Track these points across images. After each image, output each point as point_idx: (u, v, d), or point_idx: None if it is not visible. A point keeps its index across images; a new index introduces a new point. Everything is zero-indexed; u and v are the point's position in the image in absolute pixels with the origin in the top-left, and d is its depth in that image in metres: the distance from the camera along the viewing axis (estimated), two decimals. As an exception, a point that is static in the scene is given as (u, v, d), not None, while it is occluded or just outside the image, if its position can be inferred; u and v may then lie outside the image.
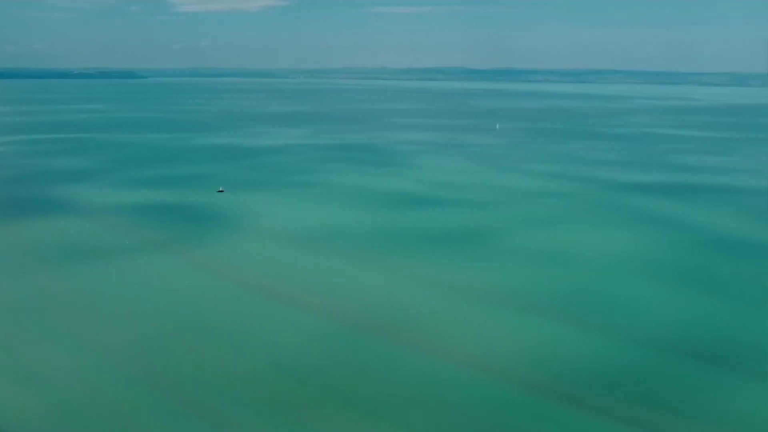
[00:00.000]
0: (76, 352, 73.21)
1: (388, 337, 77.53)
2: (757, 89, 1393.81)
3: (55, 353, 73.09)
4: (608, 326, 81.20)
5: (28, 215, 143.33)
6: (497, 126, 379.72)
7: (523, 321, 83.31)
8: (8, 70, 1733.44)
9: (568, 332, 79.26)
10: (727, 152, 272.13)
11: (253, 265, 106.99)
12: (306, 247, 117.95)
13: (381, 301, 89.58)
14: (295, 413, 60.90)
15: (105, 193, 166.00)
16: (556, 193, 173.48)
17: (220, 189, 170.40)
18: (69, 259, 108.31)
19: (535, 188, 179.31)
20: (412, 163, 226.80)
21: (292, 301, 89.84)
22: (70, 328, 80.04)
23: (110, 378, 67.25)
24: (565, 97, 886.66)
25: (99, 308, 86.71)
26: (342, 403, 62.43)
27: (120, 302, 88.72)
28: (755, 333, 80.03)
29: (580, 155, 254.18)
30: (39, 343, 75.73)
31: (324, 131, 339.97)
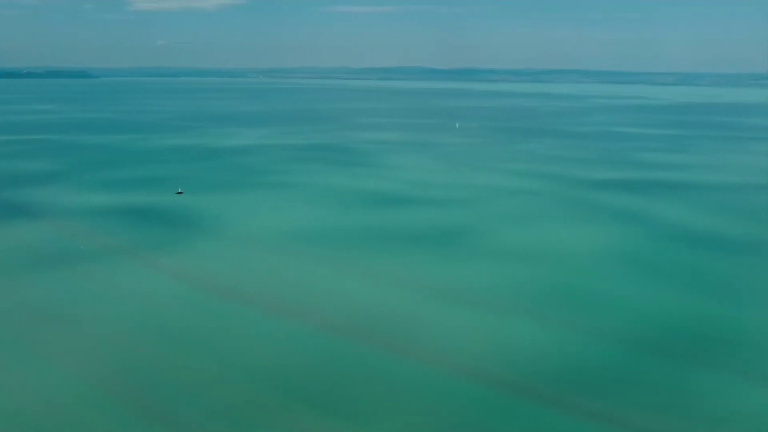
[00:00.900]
0: (36, 362, 70.13)
1: (364, 340, 76.60)
2: (704, 88, 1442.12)
3: (13, 362, 70.00)
4: (584, 323, 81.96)
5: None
6: (457, 125, 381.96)
7: (500, 320, 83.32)
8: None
9: (544, 331, 79.67)
10: (685, 149, 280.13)
11: (224, 269, 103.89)
12: (279, 250, 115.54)
13: (356, 303, 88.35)
14: (268, 418, 59.53)
15: (65, 198, 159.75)
16: (527, 190, 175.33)
17: (179, 191, 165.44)
18: (27, 266, 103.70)
19: (506, 186, 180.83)
20: (382, 162, 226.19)
21: (263, 305, 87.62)
22: (30, 336, 76.66)
23: (72, 388, 64.47)
24: (524, 97, 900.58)
25: (59, 316, 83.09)
26: (316, 408, 61.35)
27: (82, 310, 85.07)
28: (727, 327, 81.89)
29: (546, 153, 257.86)
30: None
31: (290, 131, 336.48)
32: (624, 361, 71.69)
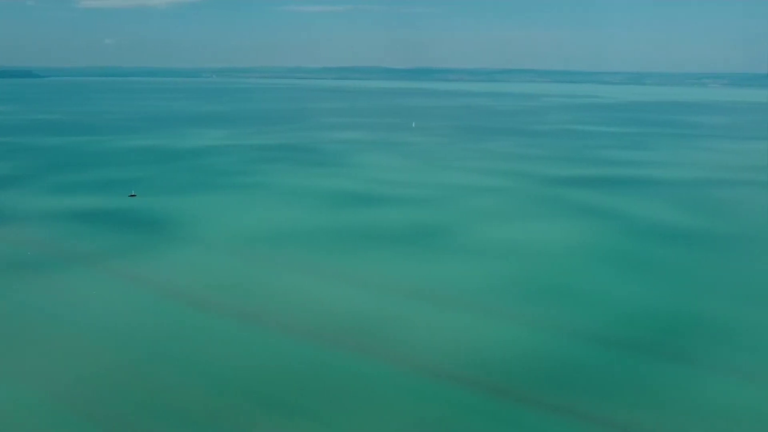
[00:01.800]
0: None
1: (338, 343, 75.11)
2: (651, 87, 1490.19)
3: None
4: (559, 320, 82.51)
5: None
6: (413, 124, 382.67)
7: (475, 319, 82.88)
8: None
9: (520, 329, 79.70)
10: (641, 146, 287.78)
11: (189, 274, 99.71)
12: (247, 253, 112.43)
13: (329, 306, 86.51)
14: (236, 426, 57.72)
15: (14, 203, 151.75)
16: (496, 188, 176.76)
17: (132, 193, 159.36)
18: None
19: (475, 184, 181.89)
20: (348, 162, 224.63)
21: (230, 311, 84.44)
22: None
23: (29, 403, 61.06)
24: (481, 96, 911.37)
25: (13, 329, 78.18)
26: (288, 414, 59.83)
27: (37, 321, 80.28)
28: (698, 319, 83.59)
29: (510, 152, 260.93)
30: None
31: (252, 131, 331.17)
32: (598, 357, 72.15)
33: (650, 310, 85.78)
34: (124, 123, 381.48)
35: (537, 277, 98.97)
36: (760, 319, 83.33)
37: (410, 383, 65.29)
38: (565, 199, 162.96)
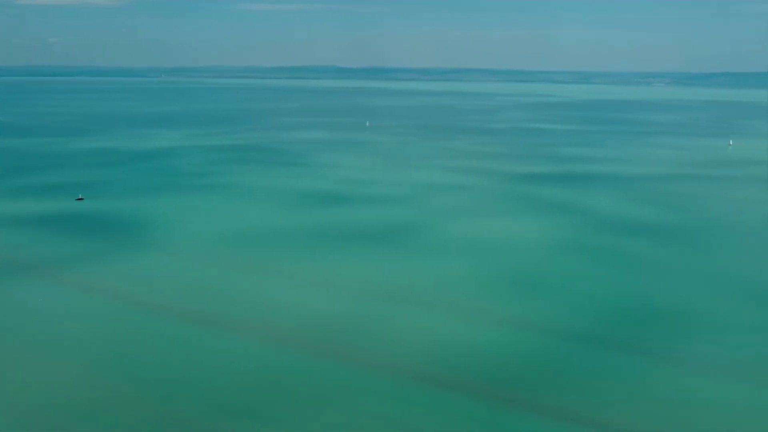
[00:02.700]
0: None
1: (308, 347, 73.16)
2: (599, 86, 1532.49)
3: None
4: (530, 316, 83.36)
5: None
6: (367, 124, 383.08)
7: (445, 318, 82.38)
8: None
9: (489, 326, 79.86)
10: (597, 144, 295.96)
11: (151, 280, 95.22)
12: (214, 257, 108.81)
13: (299, 309, 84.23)
14: None
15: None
16: (460, 186, 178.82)
17: (80, 197, 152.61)
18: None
19: (439, 182, 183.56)
20: (312, 161, 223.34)
21: (193, 318, 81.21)
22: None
23: None
24: (437, 95, 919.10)
25: None
26: (262, 421, 58.44)
27: None
28: (661, 311, 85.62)
29: (471, 150, 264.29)
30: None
31: (210, 132, 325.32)
32: (570, 353, 72.51)
33: (620, 303, 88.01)
34: (72, 124, 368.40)
35: (508, 274, 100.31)
36: (726, 310, 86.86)
37: (384, 386, 64.39)
38: (530, 196, 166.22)
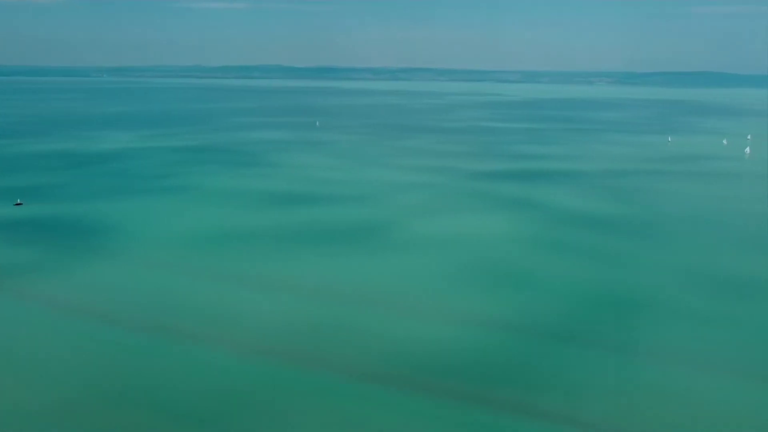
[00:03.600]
0: None
1: (276, 353, 70.75)
2: (546, 86, 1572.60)
3: None
4: (496, 313, 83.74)
5: None
6: (317, 123, 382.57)
7: (412, 318, 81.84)
8: None
9: (454, 324, 79.35)
10: (549, 141, 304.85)
11: (101, 289, 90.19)
12: (173, 262, 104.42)
13: (267, 314, 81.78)
14: None
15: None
16: (420, 184, 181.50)
17: (18, 202, 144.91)
18: None
19: (400, 181, 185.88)
20: (270, 162, 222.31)
21: (153, 328, 77.48)
22: None
23: None
24: (388, 94, 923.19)
25: None
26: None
27: None
28: (620, 303, 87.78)
29: (428, 148, 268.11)
30: None
31: (163, 133, 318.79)
32: (536, 349, 72.79)
33: (585, 296, 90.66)
34: (15, 126, 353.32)
35: (474, 270, 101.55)
36: (688, 300, 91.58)
37: (353, 389, 63.05)
38: (491, 192, 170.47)
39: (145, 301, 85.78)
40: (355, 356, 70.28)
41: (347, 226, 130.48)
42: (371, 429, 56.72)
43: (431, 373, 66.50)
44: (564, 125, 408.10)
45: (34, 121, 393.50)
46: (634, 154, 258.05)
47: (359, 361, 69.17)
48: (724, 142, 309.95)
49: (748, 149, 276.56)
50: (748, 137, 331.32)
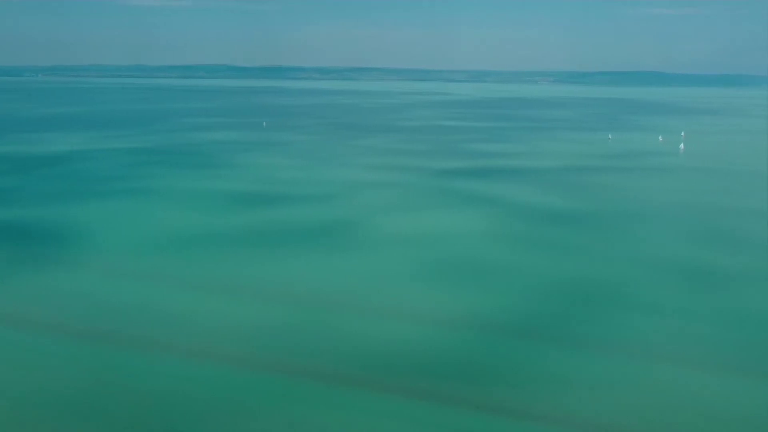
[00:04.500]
0: None
1: (242, 360, 68.63)
2: (494, 84, 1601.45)
3: None
4: (459, 309, 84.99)
5: None
6: (264, 124, 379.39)
7: (385, 319, 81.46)
8: None
9: (419, 323, 78.99)
10: (503, 139, 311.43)
11: (59, 300, 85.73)
12: (136, 268, 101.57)
13: (236, 321, 79.36)
14: None
15: None
16: (383, 183, 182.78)
17: None
18: None
19: (362, 180, 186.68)
20: (228, 162, 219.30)
21: (117, 339, 76.27)
22: None
23: None
24: (337, 94, 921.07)
25: None
26: None
27: None
28: (587, 297, 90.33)
29: (386, 147, 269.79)
30: None
31: (113, 134, 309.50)
32: (501, 344, 73.13)
33: (550, 291, 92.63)
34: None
35: (438, 268, 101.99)
36: (648, 292, 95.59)
37: (319, 393, 61.77)
38: (452, 190, 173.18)
39: (103, 310, 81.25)
40: (322, 358, 68.91)
41: (310, 226, 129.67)
42: (334, 430, 55.58)
43: (399, 374, 65.87)
44: (514, 123, 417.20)
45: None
46: (581, 151, 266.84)
47: (327, 363, 67.89)
48: (660, 138, 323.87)
49: (682, 145, 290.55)
50: (682, 134, 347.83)
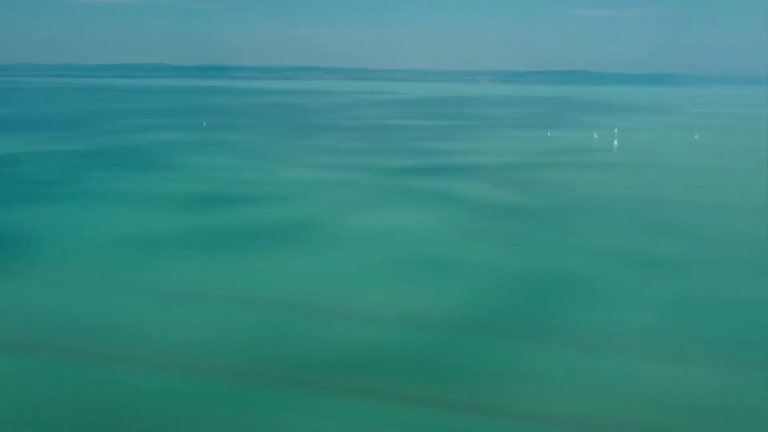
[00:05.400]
0: None
1: (205, 369, 67.33)
2: (436, 83, 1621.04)
3: None
4: (422, 307, 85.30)
5: None
6: (204, 124, 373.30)
7: (339, 319, 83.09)
8: None
9: (381, 322, 78.91)
10: (450, 137, 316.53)
11: (12, 313, 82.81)
12: (88, 277, 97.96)
13: (191, 329, 77.40)
14: None
15: None
16: (337, 181, 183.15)
17: None
18: None
19: (316, 179, 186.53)
20: (174, 164, 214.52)
21: (69, 352, 73.12)
22: None
23: None
24: (279, 93, 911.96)
25: None
26: None
27: None
28: (544, 291, 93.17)
29: (336, 146, 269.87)
30: None
31: (50, 137, 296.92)
32: (467, 340, 73.93)
33: (507, 285, 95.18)
34: None
35: (397, 265, 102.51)
36: (608, 284, 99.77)
37: (284, 398, 60.76)
38: (404, 187, 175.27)
39: (51, 322, 76.99)
40: (284, 362, 67.83)
41: (265, 227, 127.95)
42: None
43: (362, 375, 65.60)
44: (459, 122, 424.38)
45: None
46: (523, 148, 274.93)
47: (288, 367, 66.83)
48: (595, 135, 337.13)
49: (616, 142, 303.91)
50: (615, 131, 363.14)
